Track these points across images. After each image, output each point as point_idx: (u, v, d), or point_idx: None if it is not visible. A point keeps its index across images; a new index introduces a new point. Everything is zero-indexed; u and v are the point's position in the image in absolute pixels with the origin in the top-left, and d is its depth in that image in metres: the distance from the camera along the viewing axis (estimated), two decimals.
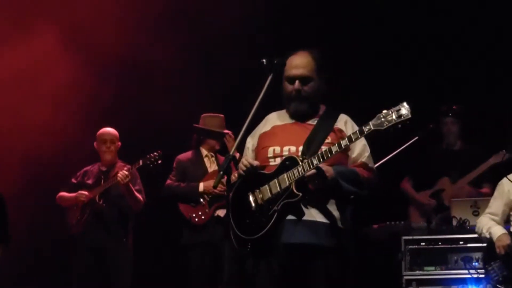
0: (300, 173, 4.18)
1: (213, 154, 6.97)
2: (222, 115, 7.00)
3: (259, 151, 4.44)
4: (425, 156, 7.24)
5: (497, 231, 5.44)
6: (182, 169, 6.92)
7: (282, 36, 7.52)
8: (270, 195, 4.24)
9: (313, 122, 4.42)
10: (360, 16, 7.89)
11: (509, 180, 5.54)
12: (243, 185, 4.35)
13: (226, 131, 6.92)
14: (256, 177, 4.32)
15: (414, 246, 6.54)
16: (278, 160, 4.31)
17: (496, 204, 5.58)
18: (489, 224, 5.50)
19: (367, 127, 4.14)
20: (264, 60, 4.37)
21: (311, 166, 4.17)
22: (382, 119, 4.10)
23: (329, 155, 4.16)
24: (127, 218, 6.99)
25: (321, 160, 4.16)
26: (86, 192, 6.93)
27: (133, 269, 6.94)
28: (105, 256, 6.86)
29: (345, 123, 4.44)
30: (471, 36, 7.62)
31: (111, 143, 7.04)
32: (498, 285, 5.46)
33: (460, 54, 7.68)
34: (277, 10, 7.90)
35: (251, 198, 4.29)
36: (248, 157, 4.46)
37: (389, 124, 4.08)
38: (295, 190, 4.19)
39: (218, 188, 6.58)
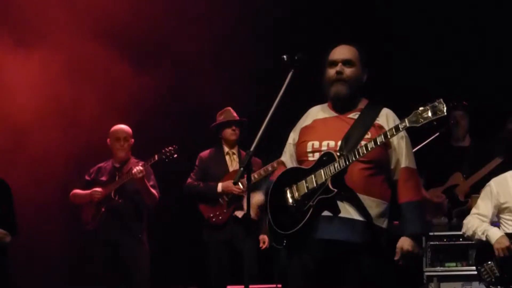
0: (337, 169, 4.17)
1: (234, 152, 6.95)
2: (230, 108, 7.00)
3: (299, 145, 4.43)
4: (434, 153, 7.20)
5: (495, 233, 5.43)
6: (204, 167, 6.96)
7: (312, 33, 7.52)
8: (306, 191, 4.23)
9: (354, 116, 4.39)
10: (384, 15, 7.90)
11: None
12: (282, 180, 4.35)
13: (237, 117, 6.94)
14: (295, 172, 4.32)
15: (435, 242, 6.57)
16: (317, 155, 4.29)
17: (485, 206, 5.57)
18: (483, 226, 5.49)
19: (403, 124, 4.12)
20: (285, 56, 4.37)
21: (348, 162, 4.16)
22: (418, 116, 4.08)
23: (365, 151, 4.15)
24: (143, 214, 6.99)
25: (357, 156, 4.15)
26: (100, 189, 6.94)
27: (152, 265, 6.95)
28: (121, 251, 6.87)
29: (387, 118, 4.39)
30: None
31: (125, 141, 7.03)
32: (491, 286, 5.46)
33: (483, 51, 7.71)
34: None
35: (288, 193, 4.28)
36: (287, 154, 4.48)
37: (425, 121, 4.06)
38: (330, 186, 4.17)
39: (237, 189, 6.60)
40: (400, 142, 4.36)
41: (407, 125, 4.10)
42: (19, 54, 7.77)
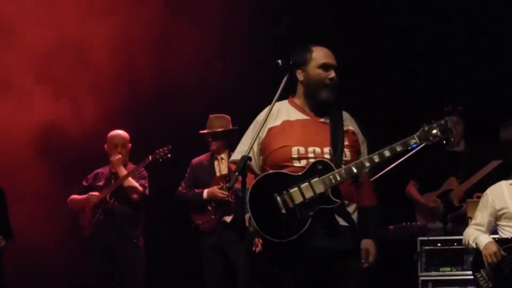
0: (337, 180, 4.13)
1: (223, 157, 6.89)
2: (227, 116, 6.95)
3: (279, 149, 4.27)
4: (429, 158, 7.21)
5: (483, 240, 5.46)
6: (194, 174, 6.92)
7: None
8: (302, 199, 4.13)
9: (326, 120, 4.35)
10: (366, 17, 7.90)
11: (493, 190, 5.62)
12: (265, 185, 4.18)
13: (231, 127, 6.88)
14: (281, 177, 4.19)
15: (430, 247, 6.54)
16: (303, 162, 4.21)
17: (482, 215, 5.60)
18: (475, 234, 5.53)
19: (413, 140, 4.19)
20: (279, 61, 4.32)
21: (351, 175, 4.16)
22: (426, 133, 4.16)
23: (368, 164, 4.18)
24: (139, 219, 6.99)
25: (360, 170, 4.17)
26: (96, 193, 6.95)
27: (148, 269, 6.96)
28: (117, 256, 6.88)
29: (351, 123, 4.43)
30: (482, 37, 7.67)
31: (122, 147, 7.04)
32: None
33: (468, 55, 7.72)
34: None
35: (279, 200, 4.14)
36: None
37: (435, 140, 4.16)
38: (332, 197, 4.14)
39: (221, 194, 6.58)
40: (364, 147, 4.42)
41: (418, 141, 4.16)
42: None
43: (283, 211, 4.12)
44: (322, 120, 4.35)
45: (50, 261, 7.83)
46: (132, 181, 6.85)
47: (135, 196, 6.89)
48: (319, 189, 4.12)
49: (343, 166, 4.17)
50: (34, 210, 7.73)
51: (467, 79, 7.64)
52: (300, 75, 4.38)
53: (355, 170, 4.14)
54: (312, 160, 4.20)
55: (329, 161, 4.17)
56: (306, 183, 4.14)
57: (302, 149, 4.24)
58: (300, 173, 4.17)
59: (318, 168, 4.16)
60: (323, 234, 4.16)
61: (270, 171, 4.24)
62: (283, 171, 4.21)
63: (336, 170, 4.14)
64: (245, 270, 6.47)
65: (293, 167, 4.22)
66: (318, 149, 4.24)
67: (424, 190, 7.24)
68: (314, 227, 4.12)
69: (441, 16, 7.79)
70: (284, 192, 4.14)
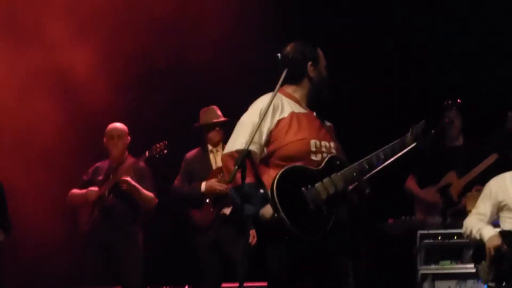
0: (353, 177, 4.15)
1: (219, 149, 6.81)
2: (215, 106, 6.90)
3: (295, 142, 4.19)
4: (429, 153, 7.21)
5: (488, 232, 5.49)
6: (189, 168, 6.84)
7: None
8: (327, 195, 4.10)
9: (315, 116, 4.38)
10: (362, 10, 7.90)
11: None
12: (291, 179, 4.10)
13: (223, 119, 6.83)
14: (304, 172, 4.15)
15: (429, 241, 6.57)
16: (319, 156, 4.19)
17: (484, 205, 5.63)
18: (478, 225, 5.55)
19: (407, 139, 4.31)
20: (278, 55, 4.34)
21: (363, 171, 4.18)
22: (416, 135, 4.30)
23: (377, 161, 4.23)
24: (138, 216, 6.96)
25: (371, 167, 4.19)
26: (96, 188, 6.92)
27: (146, 265, 6.94)
28: (116, 254, 6.85)
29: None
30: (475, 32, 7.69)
31: (118, 138, 6.97)
32: (489, 283, 5.51)
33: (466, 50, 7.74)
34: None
35: (307, 195, 4.08)
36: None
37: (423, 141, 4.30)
38: (350, 195, 4.19)
39: (219, 187, 6.55)
40: None
41: (412, 143, 4.30)
42: None
43: (312, 207, 4.07)
44: (314, 115, 4.37)
45: (50, 259, 7.83)
46: (143, 193, 6.82)
47: (146, 207, 6.89)
48: (340, 185, 4.12)
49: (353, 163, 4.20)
50: (36, 207, 7.74)
51: (466, 73, 7.65)
52: (312, 72, 4.36)
53: (367, 167, 4.16)
54: (325, 155, 4.20)
55: (343, 159, 4.21)
56: (328, 179, 4.12)
57: (318, 143, 4.23)
58: (319, 168, 4.15)
59: (336, 164, 4.17)
60: (337, 231, 4.14)
61: (292, 165, 4.14)
62: (301, 164, 4.16)
63: (351, 166, 4.16)
64: (244, 265, 6.48)
65: (310, 160, 4.18)
66: (327, 144, 4.25)
67: (424, 185, 7.25)
68: (334, 224, 4.11)
69: (440, 13, 7.80)
70: (310, 187, 4.10)
